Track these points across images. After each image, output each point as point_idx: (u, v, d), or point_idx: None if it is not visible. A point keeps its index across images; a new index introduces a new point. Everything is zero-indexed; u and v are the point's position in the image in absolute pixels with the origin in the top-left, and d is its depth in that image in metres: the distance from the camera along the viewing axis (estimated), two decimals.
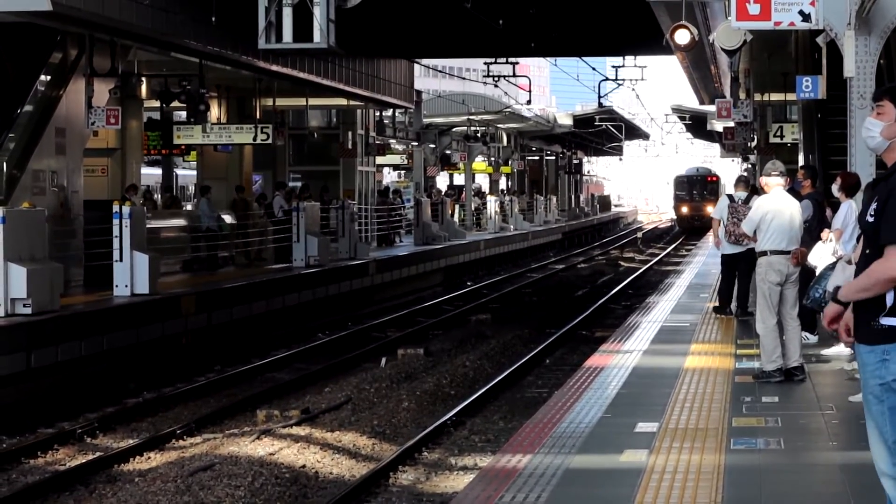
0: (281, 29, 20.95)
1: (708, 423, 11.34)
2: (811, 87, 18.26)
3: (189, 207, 38.50)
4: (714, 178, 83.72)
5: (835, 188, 14.80)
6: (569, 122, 69.66)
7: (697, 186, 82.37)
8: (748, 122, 34.17)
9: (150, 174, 45.96)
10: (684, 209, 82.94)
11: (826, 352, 15.62)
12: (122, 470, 15.11)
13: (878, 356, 5.89)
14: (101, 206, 24.91)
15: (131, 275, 22.59)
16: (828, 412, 11.88)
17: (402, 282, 37.27)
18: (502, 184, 70.14)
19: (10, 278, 19.09)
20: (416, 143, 55.54)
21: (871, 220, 5.90)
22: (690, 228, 79.05)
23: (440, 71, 73.56)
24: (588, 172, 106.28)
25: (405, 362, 23.19)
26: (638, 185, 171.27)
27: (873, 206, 5.89)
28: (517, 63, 49.14)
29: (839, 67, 14.85)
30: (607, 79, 52.70)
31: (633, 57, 50.45)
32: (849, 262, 7.34)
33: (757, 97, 33.31)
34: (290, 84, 33.65)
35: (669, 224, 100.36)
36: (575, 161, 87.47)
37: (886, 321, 5.86)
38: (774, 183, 13.81)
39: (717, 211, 19.84)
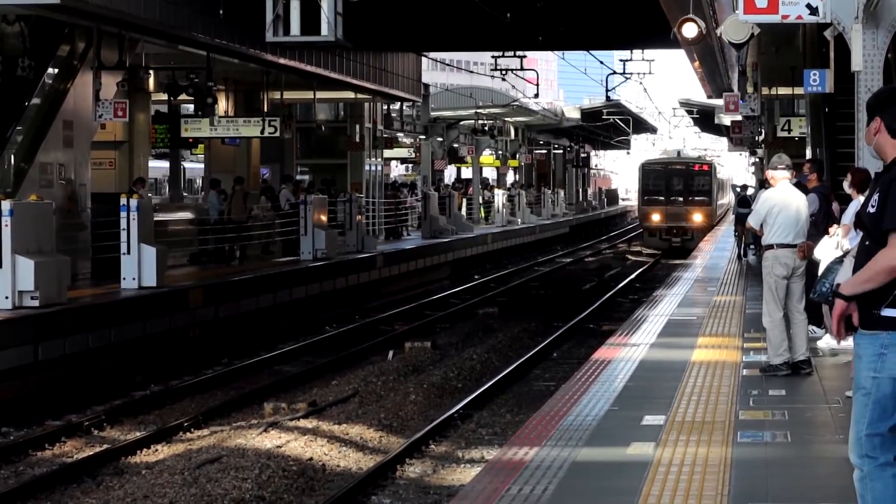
0: (288, 22, 20.99)
1: (715, 416, 11.35)
2: (819, 80, 18.20)
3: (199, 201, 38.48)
4: (705, 168, 53.93)
5: (846, 185, 14.78)
6: (576, 115, 69.61)
7: (678, 181, 52.45)
8: (756, 116, 34.16)
9: (158, 167, 45.99)
10: (655, 216, 51.72)
11: (836, 345, 15.60)
12: (129, 462, 15.14)
13: (877, 349, 5.90)
14: (108, 198, 24.92)
15: (139, 268, 22.59)
16: (834, 405, 11.88)
17: (409, 275, 37.27)
18: (510, 177, 70.09)
19: (18, 271, 19.10)
20: (423, 137, 55.56)
21: (872, 210, 5.95)
22: (666, 249, 51.21)
23: (448, 64, 73.69)
24: (595, 166, 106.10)
25: (412, 355, 23.21)
26: None
27: (875, 197, 5.94)
28: (525, 56, 49.19)
29: (847, 61, 14.84)
30: (615, 72, 52.76)
31: (640, 50, 50.54)
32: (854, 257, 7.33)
33: (764, 91, 33.26)
34: (297, 77, 33.66)
35: None
36: (582, 155, 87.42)
37: (888, 312, 5.87)
38: (781, 176, 13.81)
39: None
